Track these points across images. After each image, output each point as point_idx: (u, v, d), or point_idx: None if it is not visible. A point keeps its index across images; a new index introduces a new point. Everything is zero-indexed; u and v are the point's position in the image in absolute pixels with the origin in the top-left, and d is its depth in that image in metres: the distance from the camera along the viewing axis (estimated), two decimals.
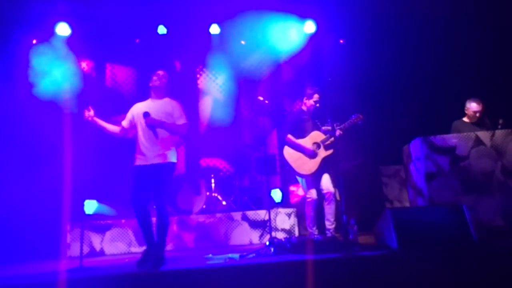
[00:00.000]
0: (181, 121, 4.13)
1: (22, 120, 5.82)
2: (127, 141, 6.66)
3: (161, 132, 4.04)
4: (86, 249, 5.57)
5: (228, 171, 7.12)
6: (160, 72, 4.22)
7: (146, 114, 4.03)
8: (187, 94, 7.20)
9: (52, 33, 6.38)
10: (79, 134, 5.75)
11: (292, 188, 6.57)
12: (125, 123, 4.25)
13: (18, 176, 5.62)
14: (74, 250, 5.56)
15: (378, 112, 6.24)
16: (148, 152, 4.00)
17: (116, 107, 5.53)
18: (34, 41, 6.39)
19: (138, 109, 4.21)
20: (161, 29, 6.88)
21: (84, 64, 6.99)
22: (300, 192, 5.23)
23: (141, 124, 4.09)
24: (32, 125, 5.87)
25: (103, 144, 6.11)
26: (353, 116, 4.72)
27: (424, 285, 2.94)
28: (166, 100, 4.20)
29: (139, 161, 4.03)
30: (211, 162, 7.21)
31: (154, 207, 3.96)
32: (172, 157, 4.06)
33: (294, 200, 6.48)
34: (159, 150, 4.00)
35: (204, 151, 7.20)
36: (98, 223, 5.78)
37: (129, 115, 4.26)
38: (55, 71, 5.98)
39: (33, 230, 5.63)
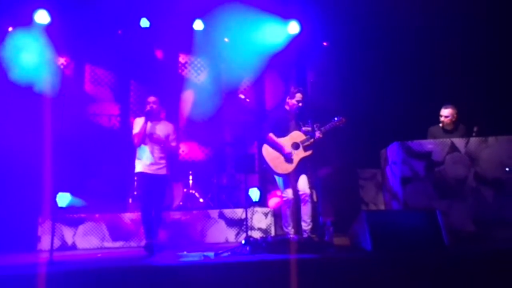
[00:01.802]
0: (175, 142, 4.92)
1: None
2: (106, 136, 6.57)
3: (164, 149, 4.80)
4: (57, 243, 5.41)
5: (206, 159, 7.08)
6: (151, 99, 4.82)
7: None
8: (168, 84, 7.13)
9: (30, 20, 6.19)
10: (54, 124, 5.60)
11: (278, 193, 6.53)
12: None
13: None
14: (45, 243, 5.40)
15: (357, 115, 6.29)
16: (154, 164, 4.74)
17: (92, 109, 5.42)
18: (10, 29, 6.19)
19: (149, 127, 4.76)
20: (144, 22, 6.78)
21: (62, 61, 6.80)
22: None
23: (150, 139, 4.74)
24: (7, 113, 5.68)
25: (80, 137, 5.99)
26: (335, 118, 4.71)
27: (397, 287, 2.99)
28: (165, 122, 4.91)
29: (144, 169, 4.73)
30: (188, 150, 7.16)
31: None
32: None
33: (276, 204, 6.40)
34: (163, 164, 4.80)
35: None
36: (70, 217, 5.64)
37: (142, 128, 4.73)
38: (31, 58, 5.80)
39: (3, 222, 5.47)
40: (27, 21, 6.17)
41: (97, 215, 5.69)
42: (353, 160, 6.60)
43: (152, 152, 4.73)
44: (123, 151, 6.96)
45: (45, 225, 5.48)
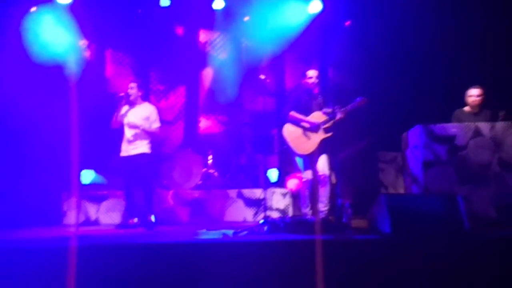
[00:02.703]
0: (156, 124, 5.05)
1: (22, 87, 5.71)
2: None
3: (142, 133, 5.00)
4: (81, 218, 5.61)
5: (224, 138, 7.12)
6: (131, 85, 5.09)
7: None
8: (189, 61, 7.15)
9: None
10: (79, 103, 5.68)
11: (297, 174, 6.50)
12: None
13: (18, 145, 5.58)
14: (70, 218, 5.60)
15: (380, 96, 6.18)
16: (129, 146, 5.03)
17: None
18: (33, 8, 6.23)
19: (124, 111, 5.11)
20: (164, 1, 6.75)
21: (83, 42, 6.83)
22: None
23: (127, 124, 5.06)
24: (33, 92, 5.77)
25: (102, 115, 6.07)
26: (357, 99, 4.62)
27: (414, 271, 2.99)
28: (144, 105, 5.14)
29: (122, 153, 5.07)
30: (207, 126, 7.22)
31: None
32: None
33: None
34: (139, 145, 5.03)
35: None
36: (94, 193, 5.80)
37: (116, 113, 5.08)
38: (54, 38, 5.85)
39: (31, 197, 5.64)
40: (49, 1, 6.20)
41: (119, 192, 5.83)
42: (374, 142, 6.53)
43: (127, 136, 5.02)
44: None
45: (70, 201, 5.66)
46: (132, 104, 5.09)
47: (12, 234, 4.41)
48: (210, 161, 6.54)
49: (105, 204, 5.77)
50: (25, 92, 5.64)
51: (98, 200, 5.77)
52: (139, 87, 5.14)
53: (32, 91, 5.67)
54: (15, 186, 5.58)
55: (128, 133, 5.02)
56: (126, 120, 5.04)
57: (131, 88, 5.08)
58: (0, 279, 2.95)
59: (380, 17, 6.53)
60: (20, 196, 5.54)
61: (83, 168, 6.02)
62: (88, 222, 5.69)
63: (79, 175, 5.56)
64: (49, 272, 2.98)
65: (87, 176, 6.07)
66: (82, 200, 5.65)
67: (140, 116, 5.04)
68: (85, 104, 5.35)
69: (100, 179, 6.24)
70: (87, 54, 6.73)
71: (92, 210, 5.75)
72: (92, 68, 6.56)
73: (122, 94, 5.07)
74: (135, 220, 5.07)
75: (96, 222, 5.71)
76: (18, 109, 5.67)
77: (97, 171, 6.24)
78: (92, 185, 6.06)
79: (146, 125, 4.99)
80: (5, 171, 5.46)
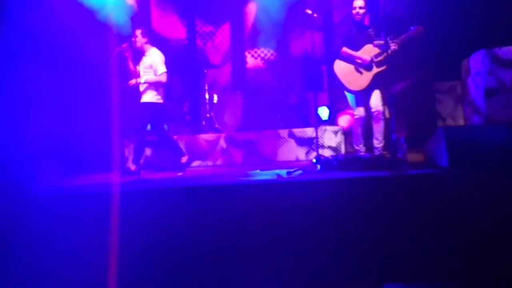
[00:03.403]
0: (160, 69, 4.87)
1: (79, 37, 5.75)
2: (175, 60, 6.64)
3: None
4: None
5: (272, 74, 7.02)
6: (136, 32, 4.94)
7: None
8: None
9: None
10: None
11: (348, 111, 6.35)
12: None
13: (80, 93, 5.77)
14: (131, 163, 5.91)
15: (436, 21, 5.71)
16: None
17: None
18: None
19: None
20: None
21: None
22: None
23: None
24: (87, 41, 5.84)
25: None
26: (411, 28, 4.31)
27: (474, 207, 2.91)
28: (149, 52, 4.96)
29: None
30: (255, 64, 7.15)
31: None
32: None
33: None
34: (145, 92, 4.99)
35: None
36: (151, 139, 6.05)
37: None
38: None
39: (93, 143, 5.95)
40: None
41: (175, 137, 6.04)
42: (429, 72, 6.16)
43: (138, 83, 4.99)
44: (191, 75, 7.15)
45: (130, 147, 5.96)
46: (140, 54, 5.01)
47: (77, 180, 4.76)
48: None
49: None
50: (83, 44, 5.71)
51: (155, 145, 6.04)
52: (144, 34, 4.99)
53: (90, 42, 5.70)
54: (80, 133, 5.84)
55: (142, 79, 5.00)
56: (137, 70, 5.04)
57: (135, 35, 4.96)
58: (61, 222, 3.22)
59: None
60: (86, 143, 5.84)
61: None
62: (147, 165, 5.99)
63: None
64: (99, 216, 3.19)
65: None
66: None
67: (143, 66, 4.99)
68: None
69: None
70: (131, 2, 6.69)
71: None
72: (138, 17, 6.53)
73: (124, 45, 4.93)
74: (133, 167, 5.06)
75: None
76: (82, 58, 5.75)
77: None
78: (149, 131, 6.29)
79: (149, 75, 4.91)
80: (72, 120, 5.70)
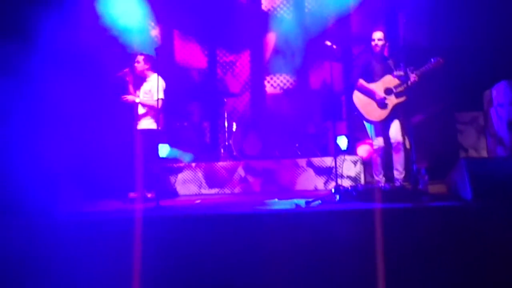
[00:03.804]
0: (158, 95, 4.82)
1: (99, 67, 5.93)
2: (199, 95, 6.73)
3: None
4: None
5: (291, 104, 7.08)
6: (138, 58, 5.01)
7: None
8: (252, 29, 7.13)
9: None
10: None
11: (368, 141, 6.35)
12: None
13: (102, 121, 5.90)
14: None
15: (456, 53, 5.71)
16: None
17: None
18: None
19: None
20: None
21: (152, 25, 6.92)
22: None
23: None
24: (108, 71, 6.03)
25: (174, 92, 6.28)
26: (432, 59, 4.32)
27: (499, 240, 2.82)
28: (150, 78, 5.03)
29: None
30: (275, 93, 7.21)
31: None
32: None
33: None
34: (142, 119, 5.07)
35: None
36: (171, 166, 6.13)
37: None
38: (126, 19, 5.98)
39: (113, 171, 6.04)
40: None
41: (193, 164, 6.11)
42: (451, 102, 6.10)
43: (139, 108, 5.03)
44: (211, 103, 7.28)
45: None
46: (141, 79, 5.10)
47: (97, 206, 4.80)
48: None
49: (181, 176, 6.08)
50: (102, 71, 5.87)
51: (174, 172, 6.10)
52: (146, 59, 5.03)
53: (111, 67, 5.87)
54: (102, 160, 5.94)
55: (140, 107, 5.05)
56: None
57: (137, 61, 5.02)
58: (81, 248, 3.24)
59: None
60: (104, 170, 5.92)
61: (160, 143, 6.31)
62: (167, 193, 6.04)
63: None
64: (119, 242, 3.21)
65: (163, 149, 6.39)
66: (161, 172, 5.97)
67: (143, 91, 5.06)
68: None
69: (176, 152, 6.56)
70: (155, 34, 6.92)
71: (169, 182, 6.09)
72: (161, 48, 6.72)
73: (126, 70, 5.01)
74: (149, 195, 5.05)
75: (174, 194, 6.05)
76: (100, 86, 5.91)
77: (171, 145, 6.55)
78: (168, 158, 6.38)
79: (147, 99, 4.98)
80: (90, 146, 5.80)
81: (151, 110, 5.01)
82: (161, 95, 4.90)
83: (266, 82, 7.38)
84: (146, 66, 5.03)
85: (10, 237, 3.31)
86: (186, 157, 6.52)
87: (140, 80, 5.14)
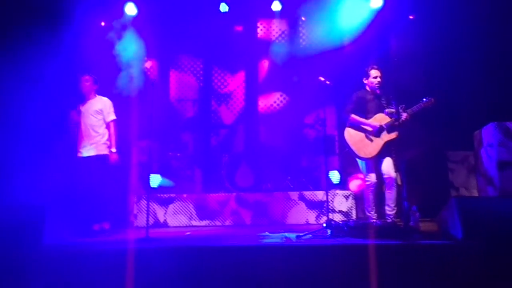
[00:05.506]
0: (111, 117, 4.92)
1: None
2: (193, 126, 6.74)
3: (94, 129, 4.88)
4: (151, 220, 5.87)
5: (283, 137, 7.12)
6: (84, 77, 4.95)
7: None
8: (247, 60, 7.27)
9: (121, 14, 6.36)
10: (142, 113, 5.90)
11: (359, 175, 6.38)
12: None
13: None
14: (140, 220, 5.89)
15: (447, 93, 5.86)
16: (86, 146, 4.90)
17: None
18: (103, 23, 6.55)
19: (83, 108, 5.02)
20: (223, 7, 6.92)
21: (148, 64, 7.03)
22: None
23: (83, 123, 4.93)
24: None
25: (166, 123, 6.33)
26: (424, 99, 4.40)
27: (488, 279, 2.80)
28: (97, 98, 5.00)
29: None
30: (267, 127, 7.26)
31: None
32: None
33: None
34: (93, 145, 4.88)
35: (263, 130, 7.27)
36: (162, 197, 6.08)
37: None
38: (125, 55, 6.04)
39: (103, 201, 5.95)
40: (118, 15, 6.43)
41: (185, 195, 6.06)
42: (442, 141, 6.19)
43: (85, 131, 4.87)
44: (205, 135, 7.30)
45: (140, 204, 5.97)
46: (85, 99, 4.98)
47: (87, 237, 4.71)
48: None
49: (172, 207, 6.02)
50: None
51: (165, 202, 6.04)
52: (95, 81, 4.97)
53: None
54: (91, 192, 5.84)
55: (85, 128, 4.87)
56: (82, 117, 4.90)
57: (86, 80, 4.92)
58: (80, 278, 3.18)
59: (445, 9, 6.17)
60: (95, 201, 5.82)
61: (151, 173, 6.28)
62: (157, 224, 5.96)
63: (147, 179, 5.80)
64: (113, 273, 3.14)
65: (155, 180, 6.36)
66: (151, 202, 5.91)
67: (91, 109, 4.90)
68: (151, 112, 5.45)
69: (167, 182, 6.52)
70: (149, 68, 7.01)
71: (160, 213, 6.02)
72: (155, 83, 6.74)
73: (78, 108, 4.94)
74: (105, 225, 4.91)
75: (164, 224, 5.97)
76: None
77: (163, 175, 6.52)
78: (159, 189, 6.34)
79: (97, 119, 4.87)
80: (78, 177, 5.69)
81: (105, 133, 4.91)
82: (114, 116, 4.95)
83: (259, 116, 7.45)
84: (95, 87, 5.00)
85: None
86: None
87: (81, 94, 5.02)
